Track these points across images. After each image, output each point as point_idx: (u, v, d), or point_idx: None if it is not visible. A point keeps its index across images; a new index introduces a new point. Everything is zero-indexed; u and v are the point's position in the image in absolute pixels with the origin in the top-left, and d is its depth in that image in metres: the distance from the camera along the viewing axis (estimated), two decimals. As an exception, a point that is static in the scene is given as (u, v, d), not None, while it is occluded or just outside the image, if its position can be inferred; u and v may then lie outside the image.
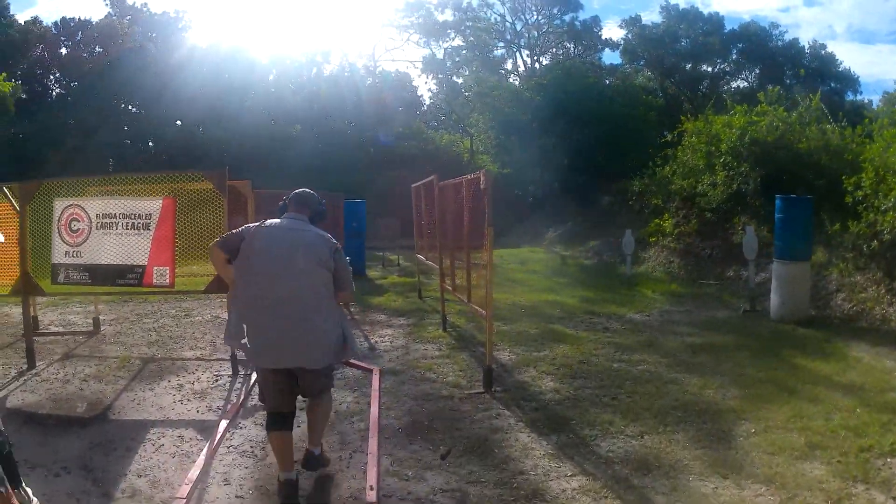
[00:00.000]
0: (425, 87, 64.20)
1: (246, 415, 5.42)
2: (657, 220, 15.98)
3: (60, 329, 9.09)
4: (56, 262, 7.14)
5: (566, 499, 3.89)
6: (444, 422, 5.17)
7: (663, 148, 17.24)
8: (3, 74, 22.58)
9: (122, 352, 7.77)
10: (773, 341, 8.04)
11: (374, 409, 5.26)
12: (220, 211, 6.61)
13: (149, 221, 6.85)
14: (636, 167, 18.71)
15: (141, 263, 6.84)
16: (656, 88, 34.08)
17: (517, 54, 40.16)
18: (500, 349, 7.52)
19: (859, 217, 9.80)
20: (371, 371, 6.52)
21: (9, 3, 32.12)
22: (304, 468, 4.02)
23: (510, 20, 39.46)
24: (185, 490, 3.92)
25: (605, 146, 23.01)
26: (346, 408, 5.57)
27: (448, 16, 38.65)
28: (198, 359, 7.45)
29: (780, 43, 35.33)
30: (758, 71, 35.27)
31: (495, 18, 39.32)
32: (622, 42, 36.80)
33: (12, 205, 7.13)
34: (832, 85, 33.26)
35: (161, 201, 6.80)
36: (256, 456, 4.55)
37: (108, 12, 34.39)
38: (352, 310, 10.48)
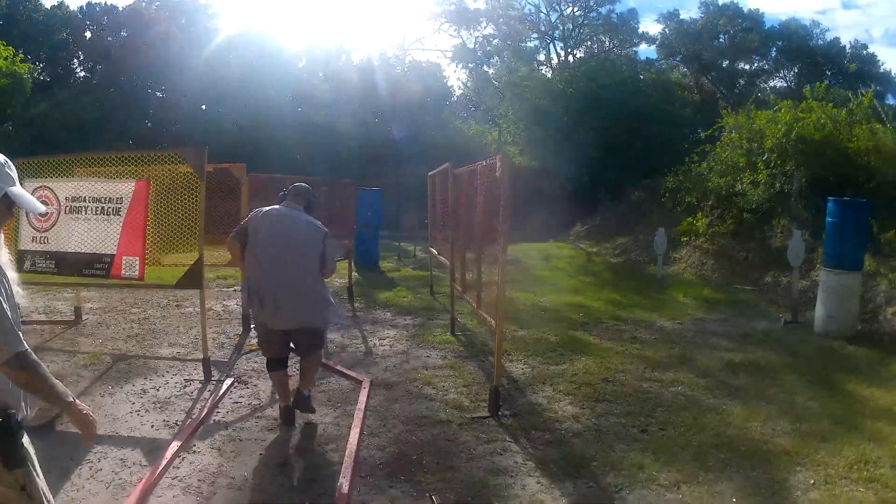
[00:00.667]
0: (455, 78, 63.01)
1: (204, 435, 4.62)
2: (690, 219, 15.04)
3: (42, 318, 8.41)
4: (22, 248, 6.50)
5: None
6: (437, 456, 4.28)
7: (699, 144, 16.22)
8: (20, 56, 22.22)
9: (95, 346, 7.07)
10: (821, 361, 7.04)
11: (354, 438, 4.39)
12: (196, 195, 5.80)
13: (119, 206, 6.10)
14: (669, 163, 17.89)
15: (109, 252, 6.10)
16: (691, 85, 32.89)
17: (550, 46, 38.99)
18: (513, 359, 6.65)
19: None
20: (360, 382, 5.68)
21: None
22: (294, 407, 4.78)
23: (545, 11, 38.27)
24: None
25: (638, 141, 22.33)
26: (322, 431, 4.74)
27: (481, 4, 37.63)
28: (173, 358, 6.69)
29: (820, 42, 33.89)
30: (797, 70, 33.94)
31: (530, 9, 38.18)
32: (659, 37, 35.66)
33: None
34: (872, 86, 31.76)
35: (133, 184, 6.02)
36: (202, 494, 3.73)
37: (136, -1, 33.88)
38: (356, 305, 9.70)
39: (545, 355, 6.85)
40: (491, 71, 37.80)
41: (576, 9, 38.14)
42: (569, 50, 38.57)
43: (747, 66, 35.35)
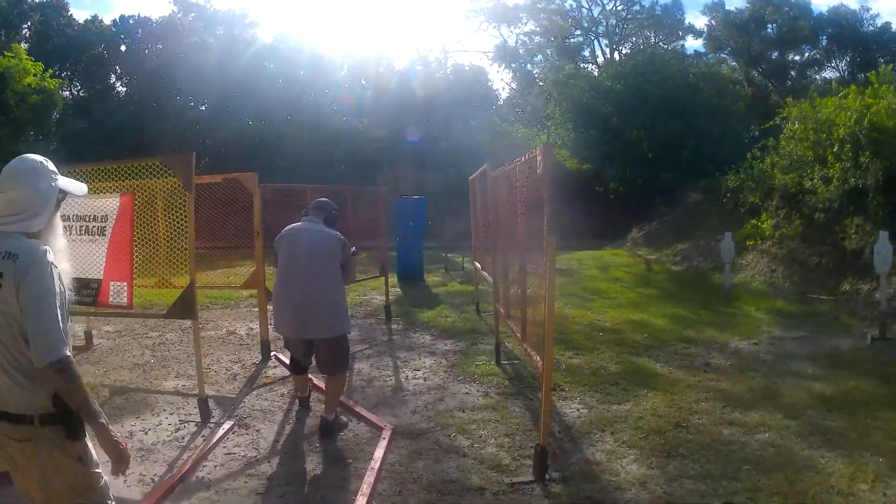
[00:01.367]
0: (500, 81, 61.81)
1: (179, 497, 3.74)
2: (754, 221, 13.91)
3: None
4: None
5: None
6: (464, 543, 3.31)
7: (756, 140, 14.94)
8: (50, 71, 22.26)
9: (97, 376, 6.40)
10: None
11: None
12: (183, 210, 4.97)
13: (104, 225, 5.29)
14: (725, 161, 16.91)
15: (96, 277, 5.30)
16: (740, 79, 31.18)
17: (595, 43, 37.62)
18: (566, 396, 5.62)
19: None
20: (381, 430, 4.74)
21: (67, 3, 32.18)
22: (321, 434, 4.76)
23: (587, 6, 36.91)
24: None
25: (691, 139, 21.34)
26: (322, 497, 3.81)
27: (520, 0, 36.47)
28: (175, 392, 5.90)
29: (871, 28, 31.70)
30: (848, 59, 31.81)
31: (571, 4, 36.89)
32: (705, 29, 34.02)
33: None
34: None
35: (118, 199, 5.22)
36: None
37: (172, 10, 33.74)
38: (393, 327, 8.79)
39: (605, 390, 5.79)
40: (535, 71, 36.63)
41: (618, 2, 36.71)
42: (614, 47, 37.19)
43: (797, 58, 33.38)
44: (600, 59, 36.91)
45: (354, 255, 5.20)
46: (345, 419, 5.04)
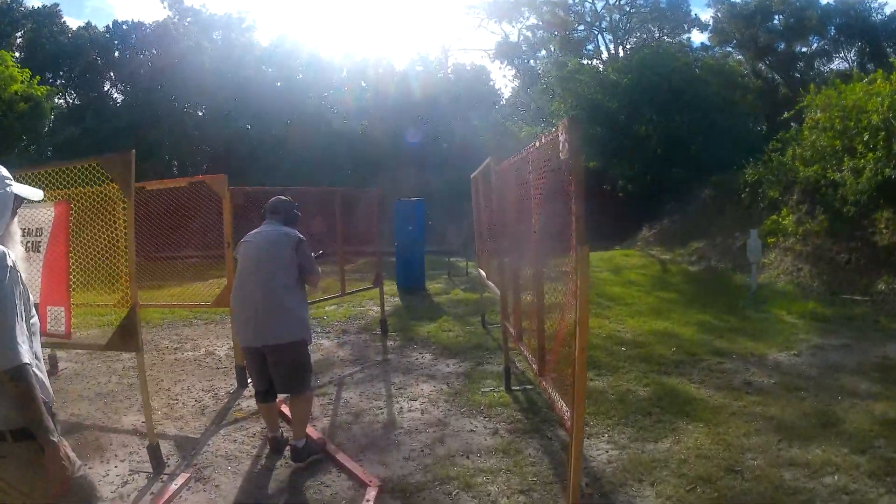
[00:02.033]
0: (503, 81, 60.94)
1: None
2: (774, 217, 13.18)
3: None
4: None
5: None
6: None
7: (771, 131, 14.26)
8: (38, 78, 21.77)
9: (55, 409, 5.45)
10: None
11: None
12: (113, 219, 4.12)
13: (39, 240, 4.44)
14: (736, 156, 16.44)
15: (33, 302, 4.44)
16: (747, 72, 30.36)
17: (599, 38, 36.69)
18: (592, 433, 4.74)
19: None
20: (365, 486, 3.88)
21: (60, 10, 31.50)
22: (292, 461, 4.35)
23: (590, 0, 35.99)
24: None
25: (700, 133, 20.55)
26: None
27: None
28: (133, 432, 5.04)
29: (879, 17, 30.80)
30: (856, 49, 30.95)
31: (573, -1, 35.96)
32: (711, 21, 33.23)
33: None
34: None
35: (52, 209, 4.38)
36: None
37: (168, 15, 32.96)
38: (388, 344, 7.93)
39: (637, 423, 4.90)
40: (538, 67, 35.76)
41: (621, -4, 35.84)
42: (618, 42, 36.27)
43: (805, 49, 32.49)
44: (604, 55, 36.00)
45: (320, 258, 4.82)
46: (320, 440, 4.57)
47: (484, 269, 8.24)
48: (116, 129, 26.38)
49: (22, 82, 20.45)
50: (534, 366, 4.11)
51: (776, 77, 32.14)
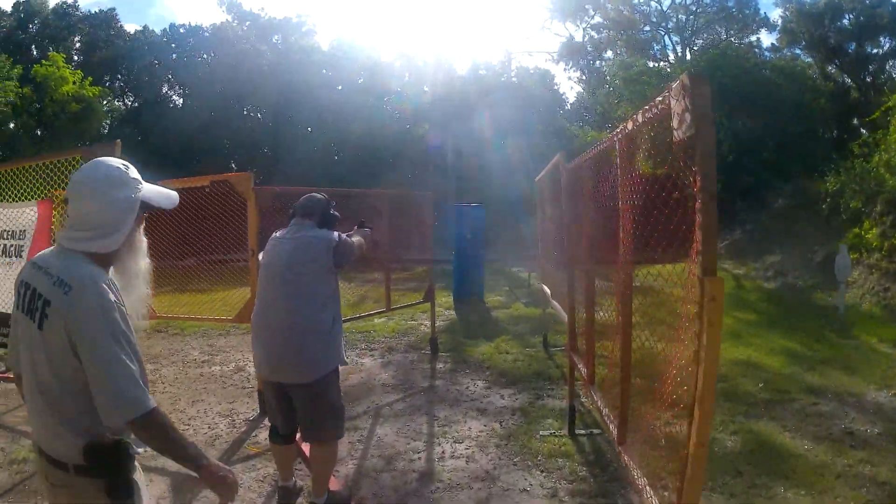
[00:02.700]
0: (567, 84, 59.56)
1: None
2: (856, 230, 12.04)
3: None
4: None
5: None
6: None
7: (842, 137, 13.22)
8: (90, 79, 21.93)
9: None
10: None
11: None
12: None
13: (21, 243, 3.83)
14: (810, 163, 16.04)
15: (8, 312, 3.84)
16: (816, 76, 28.65)
17: (665, 39, 35.31)
18: (668, 488, 3.79)
19: None
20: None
21: (116, 14, 31.75)
22: None
23: (656, 1, 34.63)
24: None
25: (771, 139, 19.47)
26: None
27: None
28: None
29: None
30: None
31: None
32: (780, 21, 31.63)
33: None
34: None
35: (35, 208, 3.74)
36: None
37: (226, 19, 32.87)
38: (438, 366, 7.11)
39: (725, 487, 3.92)
40: (605, 70, 34.63)
41: (688, -4, 34.41)
42: (685, 43, 34.85)
43: (876, 51, 30.55)
44: (671, 57, 34.63)
45: (367, 235, 4.07)
46: (344, 492, 3.85)
47: (548, 286, 7.33)
48: (174, 130, 26.40)
49: (74, 83, 20.63)
50: (614, 431, 3.14)
51: (846, 80, 30.33)
